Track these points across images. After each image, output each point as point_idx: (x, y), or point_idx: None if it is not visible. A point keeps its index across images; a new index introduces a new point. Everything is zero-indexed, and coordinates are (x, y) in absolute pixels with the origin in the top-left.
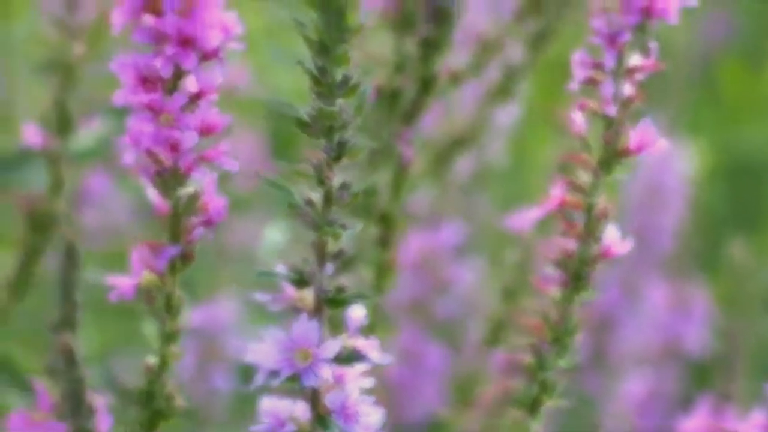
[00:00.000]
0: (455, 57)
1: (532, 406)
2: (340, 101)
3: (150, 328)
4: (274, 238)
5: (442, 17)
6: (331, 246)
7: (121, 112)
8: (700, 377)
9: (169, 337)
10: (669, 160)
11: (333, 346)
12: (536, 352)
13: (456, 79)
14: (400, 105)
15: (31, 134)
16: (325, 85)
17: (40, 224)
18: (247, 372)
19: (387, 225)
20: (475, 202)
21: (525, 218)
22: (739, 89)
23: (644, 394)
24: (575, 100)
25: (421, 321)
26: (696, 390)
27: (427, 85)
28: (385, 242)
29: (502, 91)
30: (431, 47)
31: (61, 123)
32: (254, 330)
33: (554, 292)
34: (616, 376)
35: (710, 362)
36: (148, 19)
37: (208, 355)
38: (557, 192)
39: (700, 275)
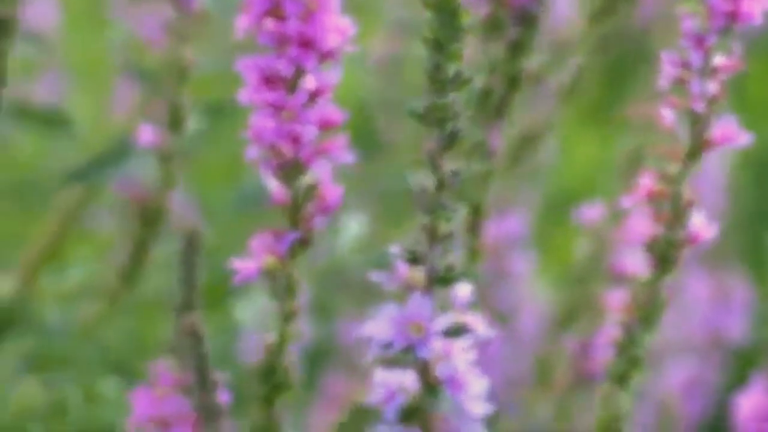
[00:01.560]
0: (536, 58)
1: (622, 381)
2: (452, 95)
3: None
4: (352, 230)
5: (527, 21)
6: (442, 229)
7: (213, 111)
8: (742, 366)
9: (287, 317)
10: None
11: (444, 320)
12: (627, 329)
13: (536, 78)
14: (490, 102)
15: (145, 133)
16: (439, 80)
17: (150, 217)
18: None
19: (476, 212)
20: (526, 194)
21: (594, 209)
22: (762, 87)
23: (688, 381)
24: (664, 97)
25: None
26: (738, 378)
27: (513, 84)
28: (474, 229)
29: (571, 90)
30: (518, 49)
31: (174, 122)
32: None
33: (641, 274)
34: (659, 365)
35: (752, 350)
36: (271, 23)
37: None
38: (646, 181)
39: (741, 267)
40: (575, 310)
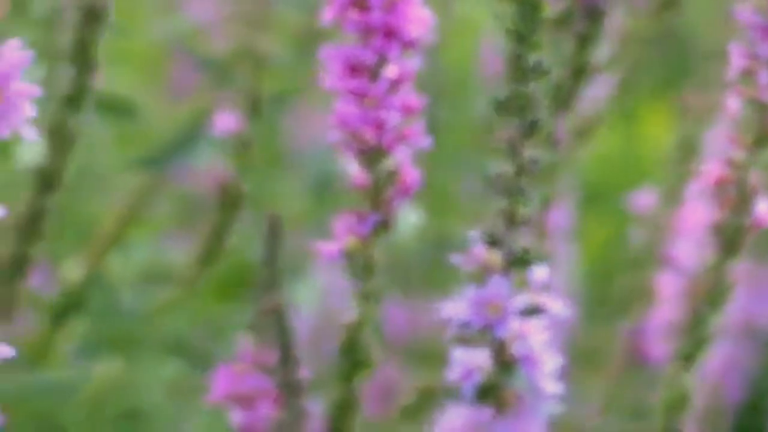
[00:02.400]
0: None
1: (688, 362)
2: (531, 84)
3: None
4: (410, 220)
5: (594, 15)
6: (520, 213)
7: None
8: None
9: (367, 296)
10: None
11: (522, 300)
12: (694, 311)
13: (598, 71)
14: (559, 93)
15: (222, 120)
16: (519, 70)
17: (229, 202)
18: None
19: (544, 202)
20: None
21: (646, 196)
22: None
23: (723, 367)
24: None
25: None
26: None
27: (580, 76)
28: (540, 217)
29: (628, 85)
30: (585, 42)
31: (252, 110)
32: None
33: (706, 258)
34: None
35: None
36: (355, 14)
37: (322, 322)
38: (714, 168)
39: None
40: (629, 296)
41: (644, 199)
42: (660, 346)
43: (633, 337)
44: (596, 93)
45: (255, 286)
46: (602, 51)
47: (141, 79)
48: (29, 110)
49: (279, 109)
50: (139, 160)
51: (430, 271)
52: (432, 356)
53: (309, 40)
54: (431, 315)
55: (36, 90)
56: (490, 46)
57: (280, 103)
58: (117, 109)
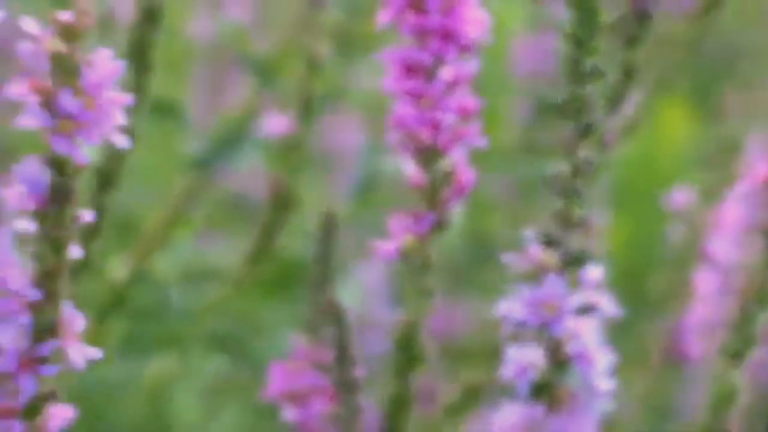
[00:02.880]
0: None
1: (737, 358)
2: (589, 87)
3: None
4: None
5: (642, 18)
6: (576, 214)
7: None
8: None
9: (423, 294)
10: None
11: (577, 299)
12: (742, 309)
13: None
14: (611, 95)
15: (274, 123)
16: (577, 73)
17: (280, 203)
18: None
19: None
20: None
21: (685, 194)
22: None
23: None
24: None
25: None
26: None
27: (629, 78)
28: None
29: (666, 85)
30: (633, 44)
31: (305, 112)
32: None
33: (754, 256)
34: None
35: None
36: (412, 16)
37: (361, 321)
38: (762, 168)
39: None
40: (666, 294)
41: (680, 197)
42: (697, 344)
43: (670, 334)
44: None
45: (308, 284)
46: (646, 51)
47: (176, 79)
48: (120, 118)
49: (322, 110)
50: (186, 161)
51: (466, 269)
52: (469, 354)
53: (348, 41)
54: (467, 313)
55: (127, 98)
56: (521, 46)
57: (323, 104)
58: (165, 110)
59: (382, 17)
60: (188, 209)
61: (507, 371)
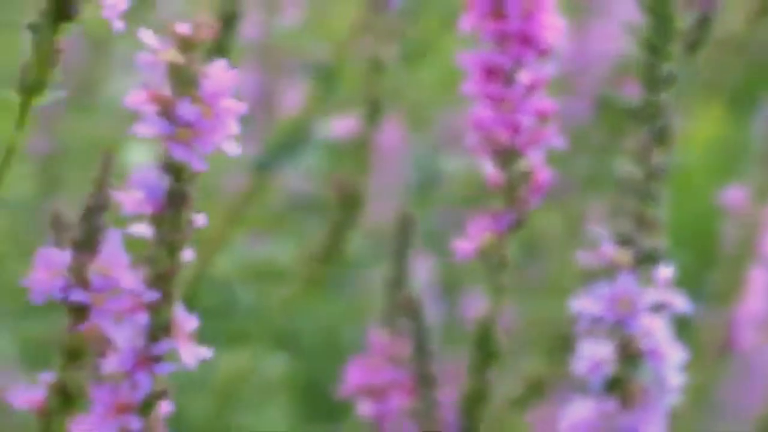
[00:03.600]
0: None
1: None
2: (663, 93)
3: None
4: None
5: (704, 23)
6: (649, 214)
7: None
8: None
9: (499, 291)
10: None
11: (650, 296)
12: None
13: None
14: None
15: (340, 125)
16: (653, 79)
17: (348, 203)
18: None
19: None
20: None
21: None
22: None
23: None
24: None
25: None
26: None
27: (690, 80)
28: None
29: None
30: (695, 48)
31: (372, 114)
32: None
33: None
34: None
35: None
36: (493, 22)
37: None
38: None
39: None
40: (725, 289)
41: (734, 194)
42: (749, 336)
43: (724, 328)
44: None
45: (384, 282)
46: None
47: None
48: (235, 127)
49: (386, 112)
50: (250, 162)
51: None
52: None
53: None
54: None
55: (243, 107)
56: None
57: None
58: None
59: (464, 23)
60: (247, 210)
61: (580, 366)
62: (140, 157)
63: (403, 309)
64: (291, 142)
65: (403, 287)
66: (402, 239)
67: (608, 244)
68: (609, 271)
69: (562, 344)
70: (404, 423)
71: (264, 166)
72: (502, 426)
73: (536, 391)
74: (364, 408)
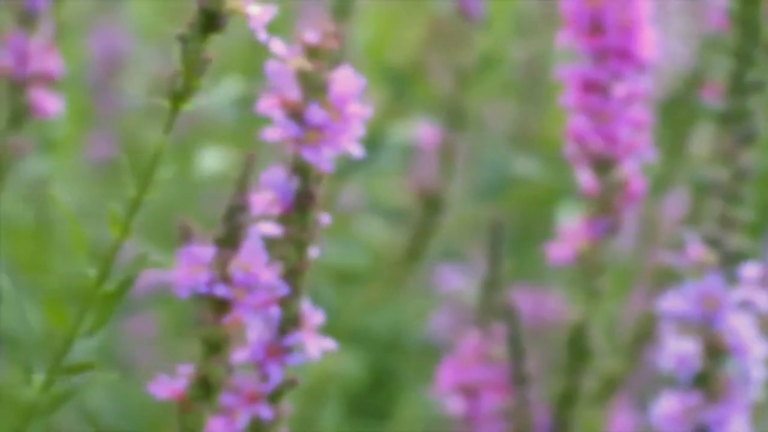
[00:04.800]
0: None
1: None
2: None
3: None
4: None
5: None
6: (736, 216)
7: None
8: None
9: (594, 295)
10: None
11: (737, 295)
12: None
13: None
14: None
15: (427, 132)
16: (740, 84)
17: (432, 206)
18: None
19: None
20: None
21: None
22: None
23: None
24: None
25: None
26: None
27: None
28: None
29: None
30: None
31: (457, 121)
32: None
33: None
34: None
35: None
36: (591, 37)
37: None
38: None
39: None
40: None
41: None
42: None
43: None
44: None
45: (479, 284)
46: None
47: None
48: (360, 130)
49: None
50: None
51: None
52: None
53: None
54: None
55: (368, 111)
56: None
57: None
58: None
59: (562, 38)
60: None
61: (667, 362)
62: (215, 163)
63: (498, 310)
64: (368, 147)
65: (497, 289)
66: (495, 243)
67: (695, 244)
68: (694, 271)
69: (637, 342)
70: (495, 422)
71: (342, 171)
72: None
73: (611, 387)
74: (455, 406)
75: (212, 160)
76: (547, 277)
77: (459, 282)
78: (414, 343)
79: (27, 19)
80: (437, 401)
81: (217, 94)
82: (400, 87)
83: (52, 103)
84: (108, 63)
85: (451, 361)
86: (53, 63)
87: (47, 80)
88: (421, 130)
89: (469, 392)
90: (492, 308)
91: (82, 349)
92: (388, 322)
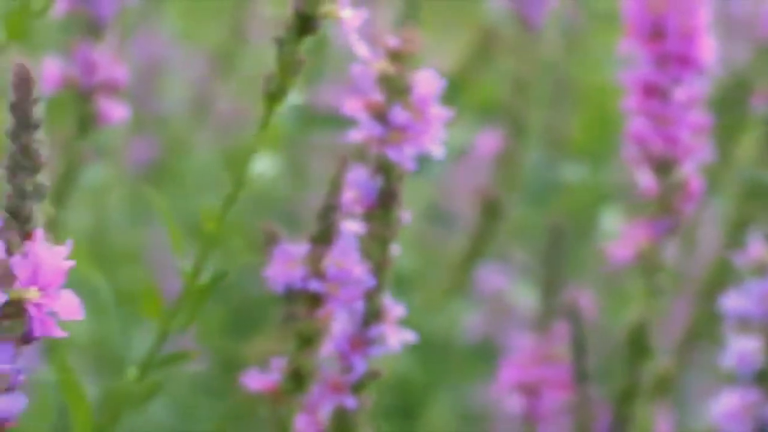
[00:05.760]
0: None
1: None
2: None
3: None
4: (611, 225)
5: None
6: None
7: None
8: None
9: (653, 293)
10: None
11: None
12: None
13: None
14: None
15: (486, 140)
16: None
17: (491, 212)
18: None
19: None
20: None
21: None
22: None
23: None
24: None
25: None
26: None
27: None
28: None
29: None
30: None
31: (517, 130)
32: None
33: None
34: None
35: None
36: (652, 43)
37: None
38: None
39: None
40: None
41: None
42: None
43: None
44: None
45: (540, 285)
46: None
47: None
48: (442, 131)
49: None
50: None
51: None
52: None
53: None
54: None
55: (450, 113)
56: None
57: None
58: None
59: (625, 45)
60: None
61: (728, 359)
62: (267, 167)
63: (562, 310)
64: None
65: (558, 291)
66: (555, 245)
67: (756, 244)
68: (755, 270)
69: (689, 341)
70: (556, 419)
71: None
72: None
73: (664, 386)
74: (516, 405)
75: (266, 165)
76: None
77: (502, 283)
78: (463, 345)
79: (93, 29)
80: (471, 401)
81: None
82: (450, 93)
83: (118, 111)
84: (147, 68)
85: (511, 360)
86: (119, 72)
87: (113, 89)
88: (480, 137)
89: (530, 391)
90: (552, 308)
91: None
92: (442, 324)
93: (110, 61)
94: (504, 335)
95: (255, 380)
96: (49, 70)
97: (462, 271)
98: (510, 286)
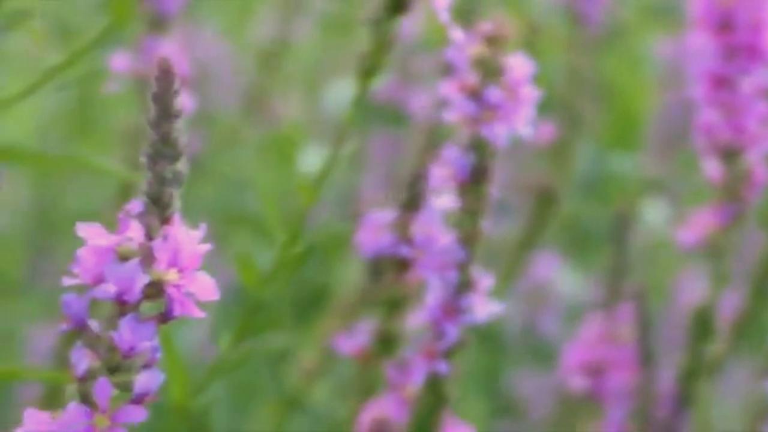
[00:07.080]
0: None
1: None
2: None
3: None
4: (654, 217)
5: None
6: None
7: None
8: None
9: (721, 278)
10: None
11: None
12: None
13: None
14: None
15: (542, 130)
16: None
17: (546, 199)
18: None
19: None
20: None
21: None
22: None
23: None
24: None
25: None
26: None
27: None
28: None
29: None
30: None
31: (576, 124)
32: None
33: None
34: None
35: None
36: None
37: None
38: None
39: None
40: None
41: None
42: None
43: None
44: None
45: (606, 270)
46: None
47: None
48: (532, 111)
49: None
50: None
51: None
52: None
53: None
54: None
55: (539, 94)
56: None
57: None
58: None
59: (694, 39)
60: None
61: None
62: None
63: (627, 294)
64: None
65: (623, 276)
66: (620, 231)
67: None
68: None
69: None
70: (620, 399)
71: None
72: None
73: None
74: (580, 384)
75: (313, 157)
76: None
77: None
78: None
79: (158, 23)
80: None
81: (334, 93)
82: None
83: (186, 103)
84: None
85: (577, 342)
86: (183, 65)
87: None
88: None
89: (596, 371)
90: (618, 292)
91: None
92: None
93: (175, 54)
94: (544, 325)
95: (345, 343)
96: (118, 64)
97: (515, 260)
98: (558, 275)
